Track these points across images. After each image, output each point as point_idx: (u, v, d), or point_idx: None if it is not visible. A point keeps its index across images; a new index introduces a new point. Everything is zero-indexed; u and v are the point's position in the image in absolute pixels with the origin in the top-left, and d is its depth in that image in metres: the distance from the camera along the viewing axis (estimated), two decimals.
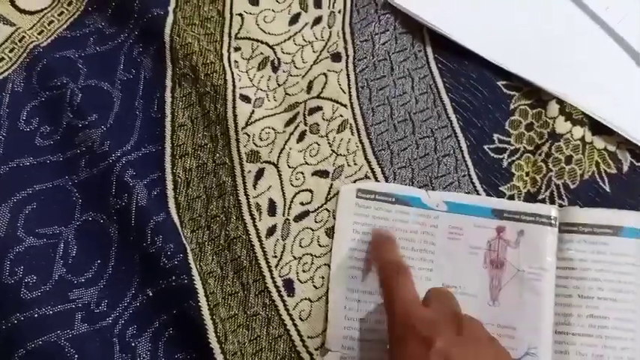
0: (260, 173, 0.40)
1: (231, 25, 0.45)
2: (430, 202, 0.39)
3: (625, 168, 0.41)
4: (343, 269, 0.37)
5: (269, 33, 0.45)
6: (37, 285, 0.35)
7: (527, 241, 0.37)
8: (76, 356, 0.34)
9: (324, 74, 0.43)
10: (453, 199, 0.38)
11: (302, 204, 0.39)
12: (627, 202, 0.39)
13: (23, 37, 0.42)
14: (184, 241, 0.37)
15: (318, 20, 0.45)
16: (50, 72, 0.41)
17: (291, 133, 0.41)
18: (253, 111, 0.41)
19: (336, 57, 0.44)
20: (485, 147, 0.41)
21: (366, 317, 0.36)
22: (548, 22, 0.44)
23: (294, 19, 0.45)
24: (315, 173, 0.40)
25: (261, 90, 0.43)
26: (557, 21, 0.44)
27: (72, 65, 0.42)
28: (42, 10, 0.44)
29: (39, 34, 0.43)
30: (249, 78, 0.43)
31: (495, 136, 0.42)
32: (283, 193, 0.40)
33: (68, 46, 0.42)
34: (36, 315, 0.34)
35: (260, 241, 0.38)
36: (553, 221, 0.37)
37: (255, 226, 0.39)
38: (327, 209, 0.39)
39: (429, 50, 0.44)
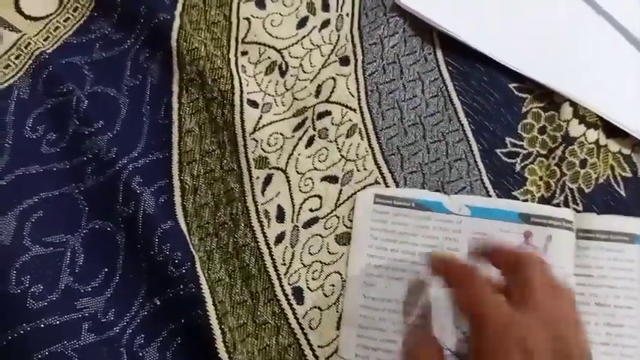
0: (268, 179, 0.39)
1: (238, 29, 0.44)
2: (452, 207, 0.38)
3: None
4: (360, 276, 0.36)
5: (276, 37, 0.44)
6: (44, 294, 0.35)
7: (555, 246, 0.36)
8: None
9: (333, 78, 0.42)
10: (476, 204, 0.38)
11: (311, 210, 0.39)
12: None
13: (29, 43, 0.41)
14: (192, 249, 0.36)
15: (326, 23, 0.45)
16: (56, 78, 0.40)
17: (300, 138, 0.41)
18: (261, 116, 0.41)
19: (344, 60, 0.43)
20: (498, 151, 0.41)
21: (383, 326, 0.35)
22: (560, 23, 0.44)
23: (302, 23, 0.45)
24: (325, 179, 0.40)
25: (269, 95, 0.42)
26: (569, 22, 0.44)
27: (78, 71, 0.41)
28: (47, 17, 0.43)
29: (45, 40, 0.43)
30: (257, 83, 0.43)
31: (508, 139, 0.41)
32: (292, 200, 0.39)
33: (74, 52, 0.42)
34: (42, 325, 0.33)
35: (269, 248, 0.38)
36: (574, 227, 0.37)
37: (263, 233, 0.38)
38: (336, 215, 0.39)
39: (439, 53, 0.44)
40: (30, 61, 0.41)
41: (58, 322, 0.34)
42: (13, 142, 0.39)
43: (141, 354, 0.35)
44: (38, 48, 0.41)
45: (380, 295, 0.36)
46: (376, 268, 0.36)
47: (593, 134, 0.40)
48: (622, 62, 0.43)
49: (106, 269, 0.37)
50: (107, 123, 0.40)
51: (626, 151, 0.40)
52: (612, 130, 0.41)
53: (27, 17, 0.43)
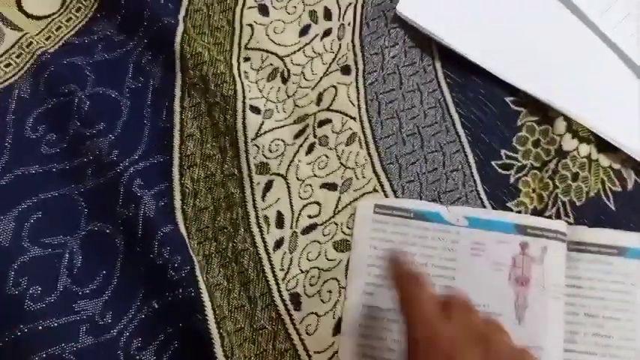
0: (269, 185, 0.40)
1: (241, 35, 0.45)
2: (450, 218, 0.38)
3: (629, 186, 0.41)
4: (359, 286, 0.37)
5: (279, 44, 0.45)
6: (42, 296, 0.35)
7: (551, 257, 0.37)
8: None
9: (334, 86, 0.43)
10: (474, 215, 0.38)
11: (310, 217, 0.39)
12: (632, 220, 0.40)
13: (31, 42, 0.41)
14: (191, 253, 0.37)
15: (328, 32, 0.45)
16: (58, 79, 0.40)
17: (301, 145, 0.41)
18: (263, 122, 0.41)
19: (345, 69, 0.44)
20: (493, 163, 0.41)
21: (382, 335, 0.36)
22: (556, 39, 0.45)
23: (304, 31, 0.45)
24: (324, 186, 0.40)
25: (271, 101, 0.43)
26: (565, 38, 0.45)
27: (80, 72, 0.41)
28: (50, 16, 0.43)
29: (46, 39, 0.42)
30: (259, 89, 0.43)
31: (503, 152, 0.42)
32: (291, 206, 0.39)
33: (76, 52, 0.42)
34: (40, 327, 0.33)
35: (267, 253, 0.38)
36: (566, 239, 0.38)
37: (262, 238, 0.38)
38: (335, 222, 0.39)
39: (438, 65, 0.44)
40: (31, 61, 0.40)
41: (55, 324, 0.34)
42: (12, 141, 0.39)
43: (138, 357, 0.35)
44: (40, 47, 0.41)
45: (380, 304, 0.36)
46: (376, 278, 0.37)
47: (585, 148, 0.41)
48: (615, 79, 0.44)
49: (105, 271, 0.37)
50: (108, 125, 0.40)
51: (617, 166, 0.42)
52: (603, 145, 0.42)
53: (29, 16, 0.43)
